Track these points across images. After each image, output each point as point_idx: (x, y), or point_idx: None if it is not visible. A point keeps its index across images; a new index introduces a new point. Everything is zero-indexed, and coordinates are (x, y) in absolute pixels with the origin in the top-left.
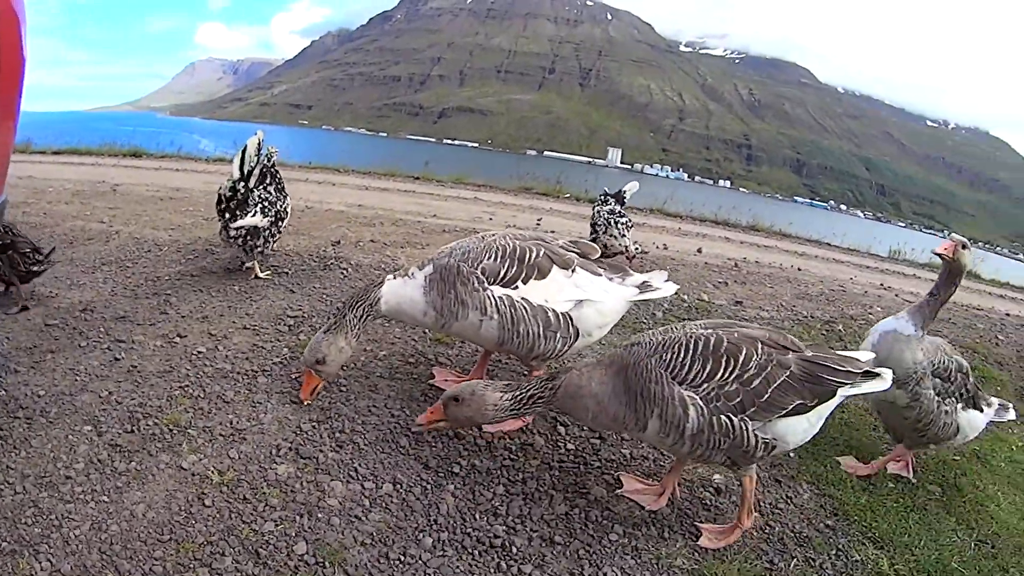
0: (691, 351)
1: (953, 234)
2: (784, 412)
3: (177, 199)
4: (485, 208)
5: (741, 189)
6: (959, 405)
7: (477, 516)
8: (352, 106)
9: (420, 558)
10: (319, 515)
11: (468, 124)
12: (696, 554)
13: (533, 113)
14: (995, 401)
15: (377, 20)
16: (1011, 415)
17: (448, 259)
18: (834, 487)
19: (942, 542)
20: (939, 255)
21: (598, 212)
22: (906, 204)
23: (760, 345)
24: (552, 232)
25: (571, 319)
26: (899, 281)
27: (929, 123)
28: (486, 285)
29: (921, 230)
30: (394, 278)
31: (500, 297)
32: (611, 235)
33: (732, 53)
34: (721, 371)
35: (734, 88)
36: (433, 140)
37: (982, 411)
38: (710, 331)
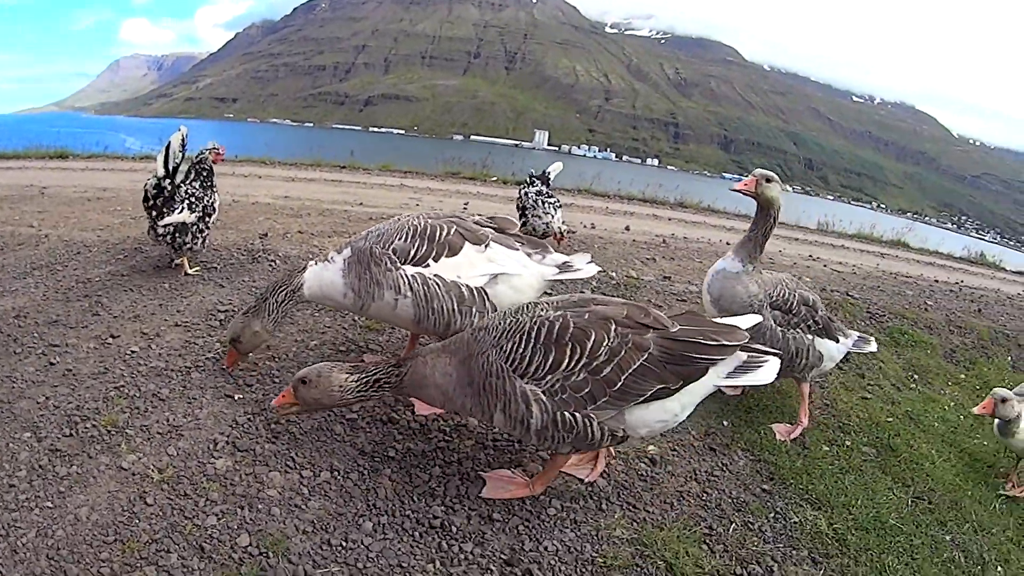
0: (533, 340)
1: (757, 169)
2: (643, 398)
3: (105, 199)
4: (412, 194)
5: (669, 167)
6: (809, 336)
7: (415, 498)
8: (277, 97)
9: (361, 543)
10: (259, 506)
11: (394, 111)
12: (635, 524)
13: (459, 98)
14: (853, 334)
15: (301, 9)
16: (872, 347)
17: (364, 242)
18: (769, 453)
19: (879, 500)
20: (738, 191)
21: (525, 194)
22: (834, 177)
23: (613, 327)
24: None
25: (486, 294)
26: (828, 252)
27: (855, 98)
28: (398, 265)
29: (849, 202)
30: (315, 263)
31: (412, 275)
32: (538, 215)
33: (658, 33)
34: (566, 361)
35: (660, 68)
36: (359, 128)
37: (837, 341)
38: (559, 313)
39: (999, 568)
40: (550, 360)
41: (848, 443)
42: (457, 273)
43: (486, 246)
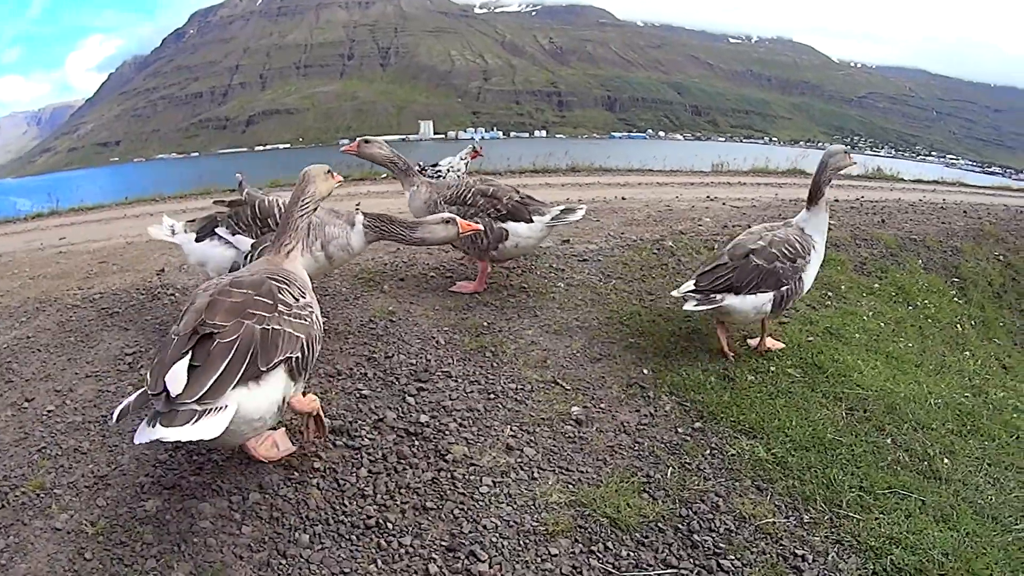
0: None
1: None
2: None
3: (2, 264)
4: None
5: (558, 136)
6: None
7: (346, 502)
8: (159, 132)
9: (300, 556)
10: (195, 540)
11: (277, 127)
12: (571, 487)
13: (339, 102)
14: (553, 209)
15: (170, 40)
16: (577, 215)
17: None
18: (695, 392)
19: (813, 418)
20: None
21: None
22: (722, 120)
23: None
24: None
25: None
26: (725, 191)
27: (732, 40)
28: None
29: (741, 141)
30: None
31: None
32: None
33: (527, 6)
34: None
35: (535, 40)
36: (245, 150)
37: (531, 221)
38: None
39: (945, 460)
40: None
41: (773, 368)
42: None
43: None
